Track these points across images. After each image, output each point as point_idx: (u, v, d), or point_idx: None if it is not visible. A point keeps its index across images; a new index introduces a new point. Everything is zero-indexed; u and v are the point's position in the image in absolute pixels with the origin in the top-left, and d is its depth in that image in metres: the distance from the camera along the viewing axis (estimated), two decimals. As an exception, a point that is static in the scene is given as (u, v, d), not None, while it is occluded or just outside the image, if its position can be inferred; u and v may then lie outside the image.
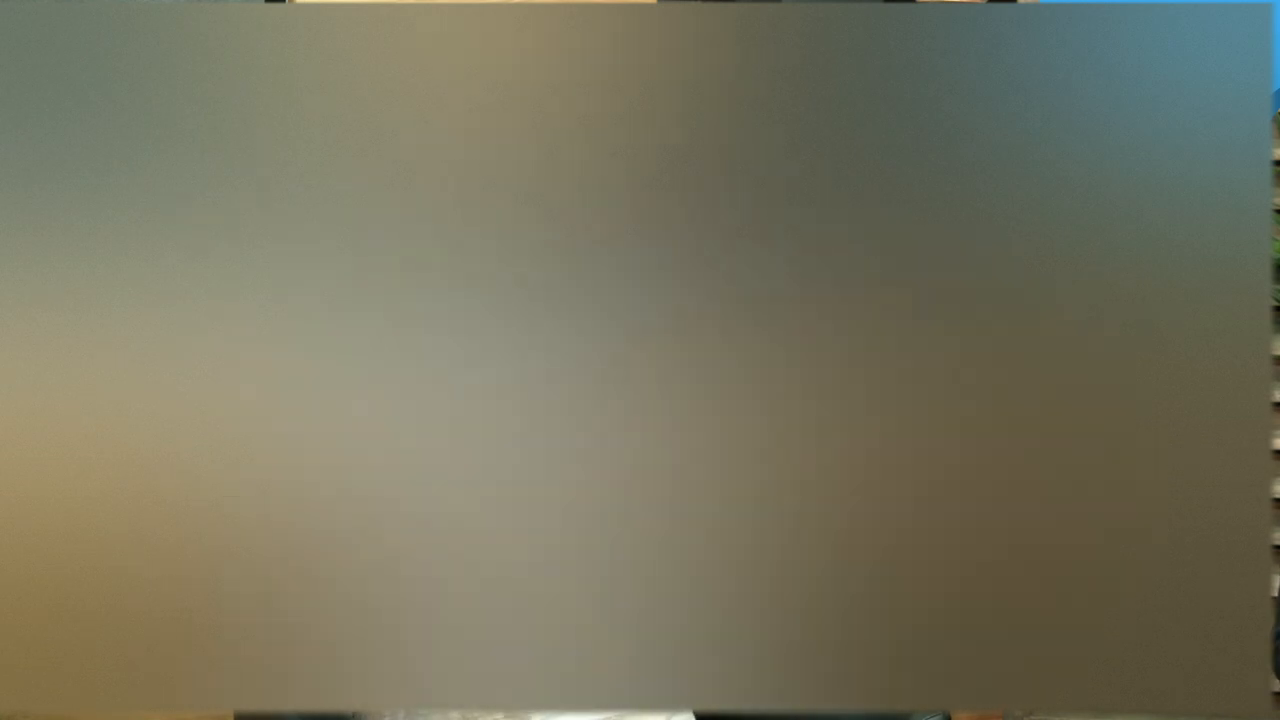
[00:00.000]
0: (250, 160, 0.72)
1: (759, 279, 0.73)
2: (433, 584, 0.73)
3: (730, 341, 0.73)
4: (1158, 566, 0.73)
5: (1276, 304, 1.44)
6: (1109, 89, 0.73)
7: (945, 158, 0.73)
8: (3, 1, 0.72)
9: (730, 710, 0.74)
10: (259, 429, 0.72)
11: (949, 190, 0.73)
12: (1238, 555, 0.73)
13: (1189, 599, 0.74)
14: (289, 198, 0.72)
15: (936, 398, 0.73)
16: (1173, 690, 0.74)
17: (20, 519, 0.73)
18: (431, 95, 0.73)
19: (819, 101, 0.73)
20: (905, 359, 0.73)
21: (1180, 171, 0.73)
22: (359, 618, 0.73)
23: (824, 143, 0.73)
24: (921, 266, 0.73)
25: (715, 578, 0.73)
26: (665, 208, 0.73)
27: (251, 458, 0.72)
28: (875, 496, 0.73)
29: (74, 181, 0.72)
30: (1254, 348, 0.73)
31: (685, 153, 0.73)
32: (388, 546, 0.73)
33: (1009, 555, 0.73)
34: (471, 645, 0.73)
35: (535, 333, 0.73)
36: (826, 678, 0.73)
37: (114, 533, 0.73)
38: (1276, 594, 1.20)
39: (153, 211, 0.72)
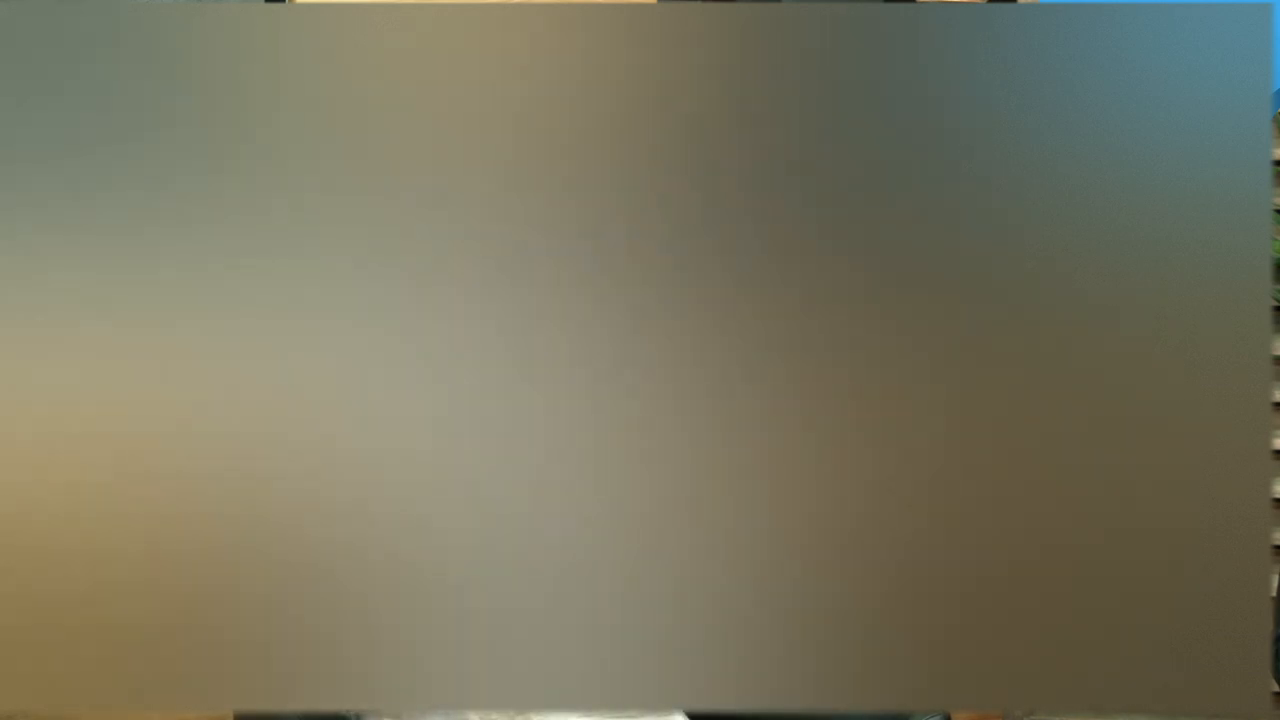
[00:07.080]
0: (250, 160, 0.72)
1: (761, 279, 0.73)
2: (432, 584, 0.73)
3: (732, 340, 0.73)
4: (1158, 566, 0.73)
5: (1276, 304, 1.44)
6: (1109, 89, 0.73)
7: (945, 158, 0.73)
8: (3, 2, 0.72)
9: (730, 710, 0.74)
10: (259, 429, 0.72)
11: (949, 190, 0.73)
12: (1238, 555, 0.73)
13: (1189, 599, 0.74)
14: (289, 197, 0.72)
15: (934, 398, 0.73)
16: (1173, 690, 0.74)
17: (21, 519, 0.73)
18: (431, 95, 0.73)
19: (819, 101, 0.73)
20: (900, 359, 0.73)
21: (1180, 171, 0.73)
22: (359, 618, 0.73)
23: (824, 143, 0.73)
24: (921, 267, 0.73)
25: (714, 578, 0.73)
26: (665, 207, 0.73)
27: (251, 458, 0.72)
28: (875, 497, 0.73)
29: (73, 181, 0.72)
30: (1254, 348, 0.73)
31: (685, 153, 0.73)
32: (388, 547, 0.73)
33: (1009, 556, 0.73)
34: (471, 646, 0.73)
35: (537, 333, 0.73)
36: (826, 677, 0.73)
37: (114, 532, 0.73)
38: (1276, 594, 1.20)
39: (152, 211, 0.72)
